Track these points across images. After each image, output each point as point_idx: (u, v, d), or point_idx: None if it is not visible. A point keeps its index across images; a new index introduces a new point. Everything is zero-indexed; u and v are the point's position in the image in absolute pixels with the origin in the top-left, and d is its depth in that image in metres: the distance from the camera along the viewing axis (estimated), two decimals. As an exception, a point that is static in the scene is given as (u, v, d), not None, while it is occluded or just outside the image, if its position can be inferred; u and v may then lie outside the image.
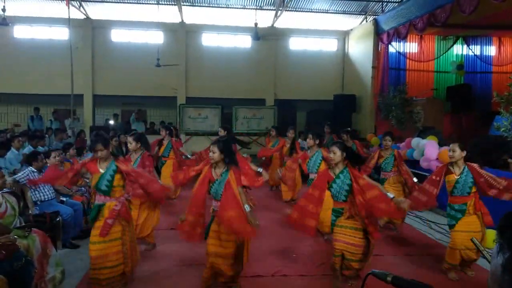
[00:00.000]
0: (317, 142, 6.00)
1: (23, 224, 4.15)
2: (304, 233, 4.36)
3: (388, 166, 6.21)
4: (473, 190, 4.41)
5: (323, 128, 9.00)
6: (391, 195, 4.11)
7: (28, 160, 5.58)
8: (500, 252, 0.76)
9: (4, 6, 11.29)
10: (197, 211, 3.82)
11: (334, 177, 4.11)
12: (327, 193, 5.48)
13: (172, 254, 5.10)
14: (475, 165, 4.43)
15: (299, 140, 9.45)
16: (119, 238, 3.92)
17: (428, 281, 3.94)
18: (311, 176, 5.84)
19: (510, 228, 0.77)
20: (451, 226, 4.50)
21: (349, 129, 8.51)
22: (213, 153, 3.79)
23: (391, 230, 6.21)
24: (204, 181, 3.84)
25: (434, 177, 4.52)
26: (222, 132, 7.11)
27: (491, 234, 4.66)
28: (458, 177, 4.40)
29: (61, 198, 5.80)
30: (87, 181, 6.40)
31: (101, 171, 3.88)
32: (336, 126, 9.14)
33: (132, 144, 5.35)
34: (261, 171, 4.66)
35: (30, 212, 4.97)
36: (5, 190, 4.35)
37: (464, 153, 4.41)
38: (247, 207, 3.76)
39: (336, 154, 4.09)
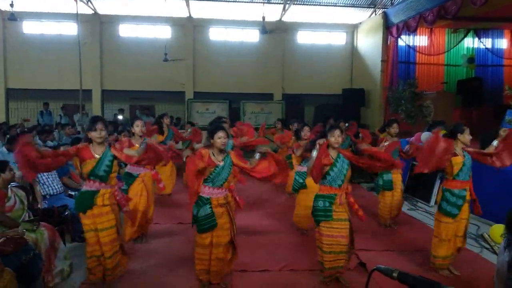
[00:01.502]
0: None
1: (32, 218, 4.18)
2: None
3: (394, 155, 6.09)
4: (470, 174, 4.34)
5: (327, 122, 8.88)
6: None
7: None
8: (507, 248, 0.72)
9: (12, 1, 11.37)
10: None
11: (333, 161, 4.03)
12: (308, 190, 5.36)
13: (169, 249, 5.07)
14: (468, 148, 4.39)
15: None
16: (114, 226, 3.86)
17: (437, 277, 3.87)
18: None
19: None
20: (454, 216, 4.24)
21: (346, 124, 8.36)
22: (224, 138, 3.82)
23: (392, 228, 6.13)
24: (203, 165, 3.75)
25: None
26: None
27: (499, 228, 4.55)
28: (464, 159, 4.28)
29: (70, 192, 5.84)
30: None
31: (96, 156, 3.76)
32: (344, 120, 9.03)
33: (142, 128, 5.23)
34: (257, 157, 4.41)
35: (38, 206, 5.00)
36: (14, 184, 4.39)
37: None
38: (257, 155, 3.96)
39: (340, 137, 4.08)
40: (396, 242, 5.48)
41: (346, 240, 4.01)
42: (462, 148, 4.35)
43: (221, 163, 3.81)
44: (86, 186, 3.81)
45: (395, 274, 1.18)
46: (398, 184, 6.01)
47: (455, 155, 4.29)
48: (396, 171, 5.93)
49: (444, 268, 4.42)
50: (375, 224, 6.12)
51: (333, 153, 4.07)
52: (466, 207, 4.34)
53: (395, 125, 6.02)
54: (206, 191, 3.84)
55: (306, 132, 5.86)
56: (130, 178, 5.16)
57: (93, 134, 3.77)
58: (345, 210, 4.03)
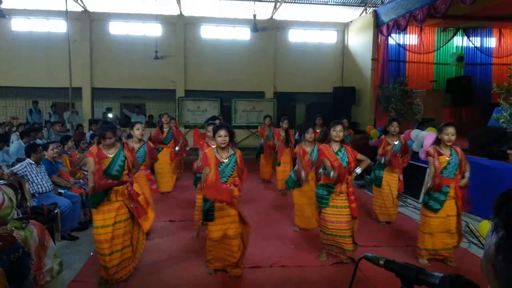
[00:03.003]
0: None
1: (21, 216, 4.14)
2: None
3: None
4: (457, 172, 4.44)
5: (314, 120, 8.93)
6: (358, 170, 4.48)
7: (27, 152, 5.57)
8: (494, 231, 0.74)
9: (0, -2, 11.20)
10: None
11: (334, 153, 4.40)
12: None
13: (170, 246, 5.11)
14: (458, 147, 4.49)
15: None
16: (125, 219, 3.96)
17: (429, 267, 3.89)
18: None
19: (505, 205, 0.76)
20: (435, 210, 4.43)
21: (345, 118, 8.49)
22: (225, 136, 3.92)
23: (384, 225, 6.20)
24: (213, 164, 3.91)
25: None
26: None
27: (487, 224, 4.61)
28: (449, 158, 4.40)
29: (59, 190, 5.79)
30: (86, 173, 6.39)
31: (109, 155, 3.92)
32: (335, 119, 9.06)
33: (142, 131, 5.34)
34: None
35: (28, 204, 4.96)
36: (2, 182, 4.34)
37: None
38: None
39: (342, 132, 4.45)
40: (386, 238, 5.54)
41: (348, 225, 4.34)
42: (452, 148, 4.43)
43: (226, 160, 3.97)
44: None
45: (381, 262, 1.19)
46: (393, 186, 6.03)
47: (440, 154, 4.42)
48: (391, 171, 5.99)
49: (423, 259, 4.62)
50: (365, 220, 6.17)
51: (334, 146, 4.44)
52: (452, 203, 4.46)
53: (394, 123, 6.13)
54: None
55: (311, 134, 5.63)
56: None
57: (104, 142, 3.92)
58: (346, 198, 4.37)
